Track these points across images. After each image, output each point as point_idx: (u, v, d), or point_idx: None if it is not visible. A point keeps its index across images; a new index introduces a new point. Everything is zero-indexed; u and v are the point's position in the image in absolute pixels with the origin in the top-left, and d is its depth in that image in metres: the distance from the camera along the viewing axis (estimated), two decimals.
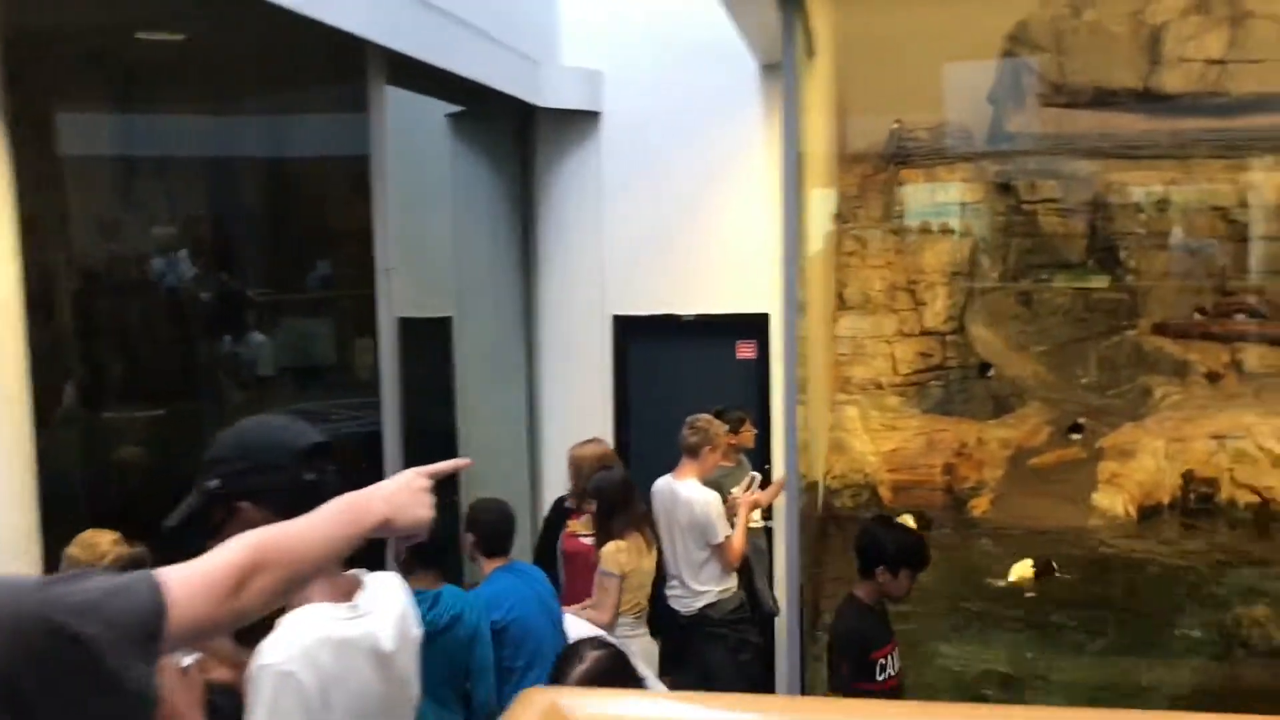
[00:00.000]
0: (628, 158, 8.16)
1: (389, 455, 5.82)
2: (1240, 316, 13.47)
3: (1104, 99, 14.24)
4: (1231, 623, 7.52)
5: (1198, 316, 13.68)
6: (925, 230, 13.54)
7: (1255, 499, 10.36)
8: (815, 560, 8.90)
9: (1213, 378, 13.02)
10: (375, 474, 5.82)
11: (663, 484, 6.53)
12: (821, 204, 11.11)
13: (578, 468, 6.40)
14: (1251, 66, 13.70)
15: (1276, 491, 10.20)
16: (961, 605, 8.10)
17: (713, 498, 6.36)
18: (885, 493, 10.78)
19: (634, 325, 8.34)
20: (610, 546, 5.81)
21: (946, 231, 13.53)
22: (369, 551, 1.80)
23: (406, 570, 4.44)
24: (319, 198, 7.69)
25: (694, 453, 6.46)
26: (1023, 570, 9.12)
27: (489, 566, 5.14)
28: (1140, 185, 14.26)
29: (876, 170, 14.22)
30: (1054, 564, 8.48)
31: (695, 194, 8.08)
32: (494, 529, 5.09)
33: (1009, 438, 11.46)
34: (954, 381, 12.96)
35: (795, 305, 5.55)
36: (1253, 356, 13.03)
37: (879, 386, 12.36)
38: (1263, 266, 14.10)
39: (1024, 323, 13.83)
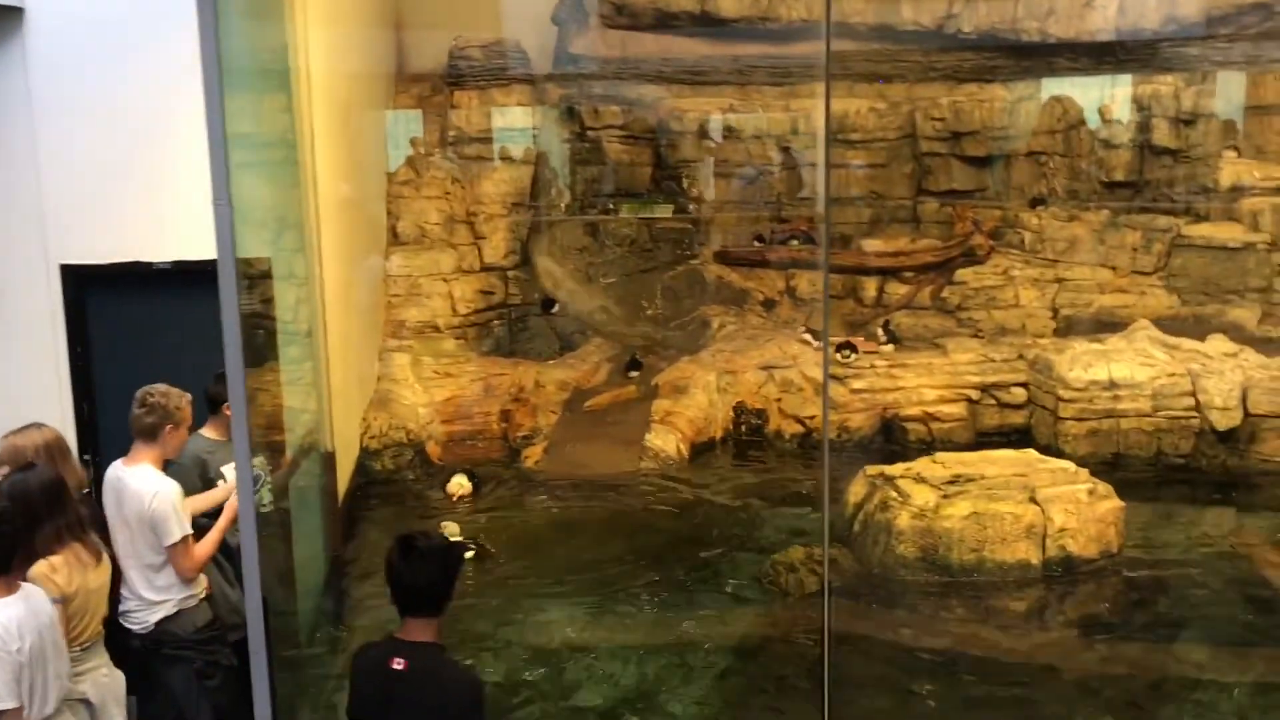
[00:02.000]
0: (66, 67, 6.58)
1: None
2: (794, 242, 13.83)
3: (665, 22, 14.04)
4: (770, 570, 7.41)
5: (755, 244, 13.91)
6: (485, 158, 12.79)
7: (799, 429, 10.55)
8: (344, 538, 8.03)
9: (769, 305, 13.27)
10: None
11: (111, 472, 5.32)
12: (357, 127, 10.00)
13: (17, 463, 5.03)
14: None
15: (819, 421, 10.39)
16: (511, 580, 7.49)
17: (168, 489, 5.18)
18: (434, 449, 9.97)
19: (91, 276, 6.84)
20: (42, 566, 4.58)
21: (508, 159, 12.90)
22: None
23: None
24: None
25: (150, 434, 5.28)
26: (459, 485, 8.64)
27: None
28: (702, 112, 14.22)
29: (435, 91, 13.36)
30: (478, 545, 7.89)
31: (156, 112, 6.64)
32: None
33: (568, 378, 11.02)
34: (517, 320, 12.41)
35: (230, 247, 4.44)
36: (804, 282, 13.38)
37: (436, 329, 11.51)
38: (815, 193, 14.59)
39: (591, 255, 13.52)
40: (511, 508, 8.96)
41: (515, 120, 13.16)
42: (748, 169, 14.44)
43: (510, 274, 12.55)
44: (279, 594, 5.95)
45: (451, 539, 7.52)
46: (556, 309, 12.67)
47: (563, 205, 13.77)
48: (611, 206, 13.95)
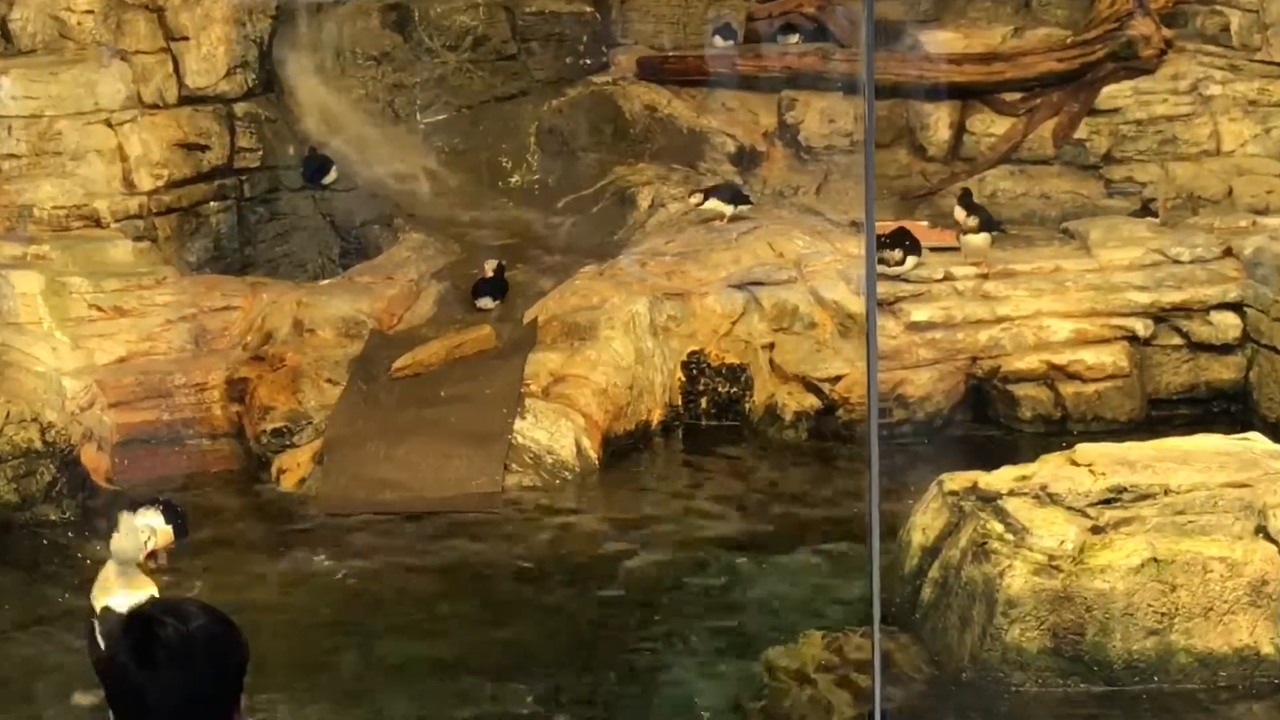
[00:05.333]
0: None
1: None
2: (791, 38, 13.87)
3: None
4: (764, 679, 7.42)
5: (717, 41, 13.99)
6: None
7: (812, 401, 10.60)
8: None
9: (746, 159, 13.33)
10: None
11: None
12: None
13: None
14: None
15: (850, 385, 10.43)
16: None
17: None
18: (97, 459, 9.95)
19: None
20: None
21: None
22: None
23: None
24: None
25: None
26: (147, 531, 8.49)
27: None
28: None
29: None
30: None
31: None
32: None
33: (359, 313, 11.04)
34: (255, 201, 12.60)
35: None
36: (814, 116, 13.47)
37: (94, 222, 11.60)
38: None
39: (398, 68, 13.63)
40: (248, 575, 9.07)
41: None
42: None
43: (240, 109, 12.68)
44: None
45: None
46: (333, 176, 12.78)
47: None
48: None
